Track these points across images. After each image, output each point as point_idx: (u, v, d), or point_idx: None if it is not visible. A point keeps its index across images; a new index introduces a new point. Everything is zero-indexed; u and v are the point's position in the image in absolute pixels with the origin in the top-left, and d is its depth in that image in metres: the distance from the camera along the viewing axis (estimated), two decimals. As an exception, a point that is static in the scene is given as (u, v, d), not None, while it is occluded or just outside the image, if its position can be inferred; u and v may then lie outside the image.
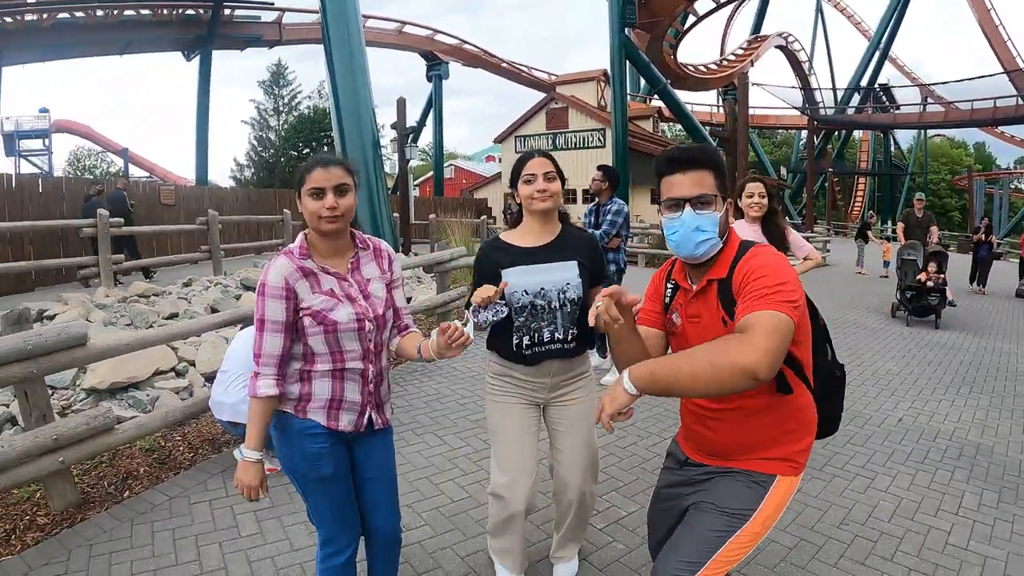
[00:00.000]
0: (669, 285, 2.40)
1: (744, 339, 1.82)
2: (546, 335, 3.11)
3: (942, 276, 12.31)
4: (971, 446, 5.83)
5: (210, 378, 6.93)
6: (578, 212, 33.95)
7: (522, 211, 3.27)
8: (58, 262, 12.12)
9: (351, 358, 2.55)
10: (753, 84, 24.79)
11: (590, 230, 6.96)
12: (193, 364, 7.00)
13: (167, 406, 5.94)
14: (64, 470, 4.23)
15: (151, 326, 8.32)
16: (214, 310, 9.20)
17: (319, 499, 2.62)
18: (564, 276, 3.10)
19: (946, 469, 5.28)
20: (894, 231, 19.02)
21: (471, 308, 2.79)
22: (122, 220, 12.07)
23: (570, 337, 3.13)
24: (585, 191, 38.55)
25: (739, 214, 5.29)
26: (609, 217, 7.07)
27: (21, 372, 3.90)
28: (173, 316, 8.77)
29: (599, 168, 7.39)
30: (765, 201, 5.19)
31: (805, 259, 5.58)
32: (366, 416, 2.64)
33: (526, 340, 3.10)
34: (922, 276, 12.32)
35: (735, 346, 1.82)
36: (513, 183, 3.27)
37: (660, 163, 2.24)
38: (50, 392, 5.97)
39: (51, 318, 8.26)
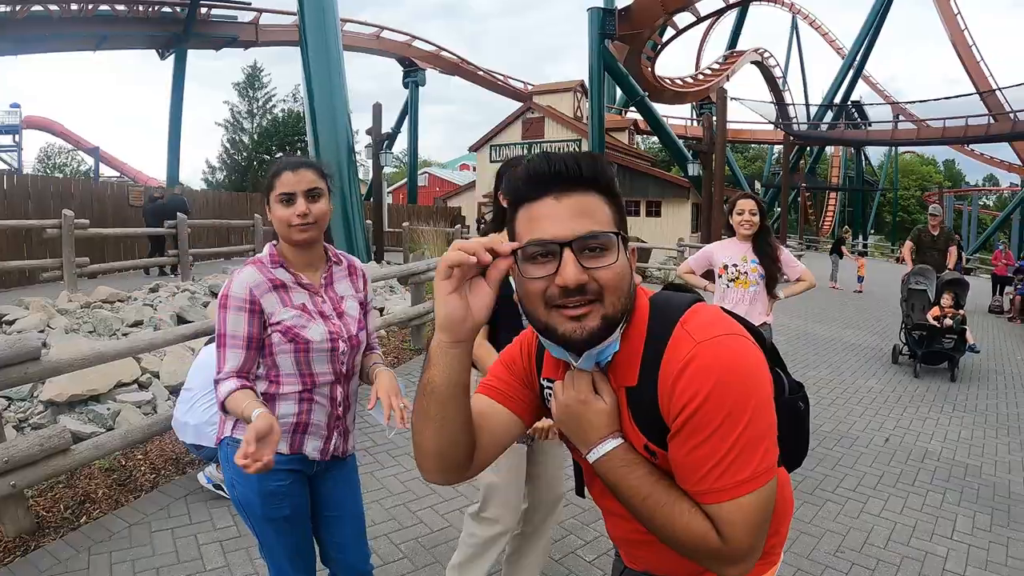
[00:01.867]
0: (546, 383, 1.54)
1: (728, 543, 1.23)
2: None
3: (961, 312, 9.63)
4: (960, 467, 5.83)
5: (175, 391, 6.65)
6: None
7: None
8: (22, 263, 11.69)
9: (321, 380, 2.34)
10: (731, 98, 24.77)
11: None
12: (157, 376, 6.71)
13: (128, 423, 5.69)
14: (16, 494, 3.95)
15: (114, 334, 8.01)
16: (181, 318, 8.89)
17: (273, 539, 2.36)
18: None
19: (937, 491, 5.26)
20: (866, 246, 18.63)
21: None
22: (88, 222, 11.71)
23: None
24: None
25: (730, 231, 5.15)
26: None
27: (-32, 389, 3.63)
28: (138, 324, 8.46)
29: None
30: (757, 219, 5.00)
31: (798, 280, 5.39)
32: (332, 443, 2.42)
33: None
34: (934, 312, 9.64)
35: (716, 546, 1.24)
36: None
37: (516, 181, 1.35)
38: (6, 404, 5.72)
39: (11, 323, 7.93)
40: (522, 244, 1.26)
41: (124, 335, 8.02)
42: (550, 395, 1.48)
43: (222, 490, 4.49)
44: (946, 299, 9.70)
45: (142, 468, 4.97)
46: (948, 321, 9.32)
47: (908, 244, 11.32)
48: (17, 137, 41.96)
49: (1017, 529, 4.68)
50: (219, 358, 2.24)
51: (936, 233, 11.14)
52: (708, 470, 1.22)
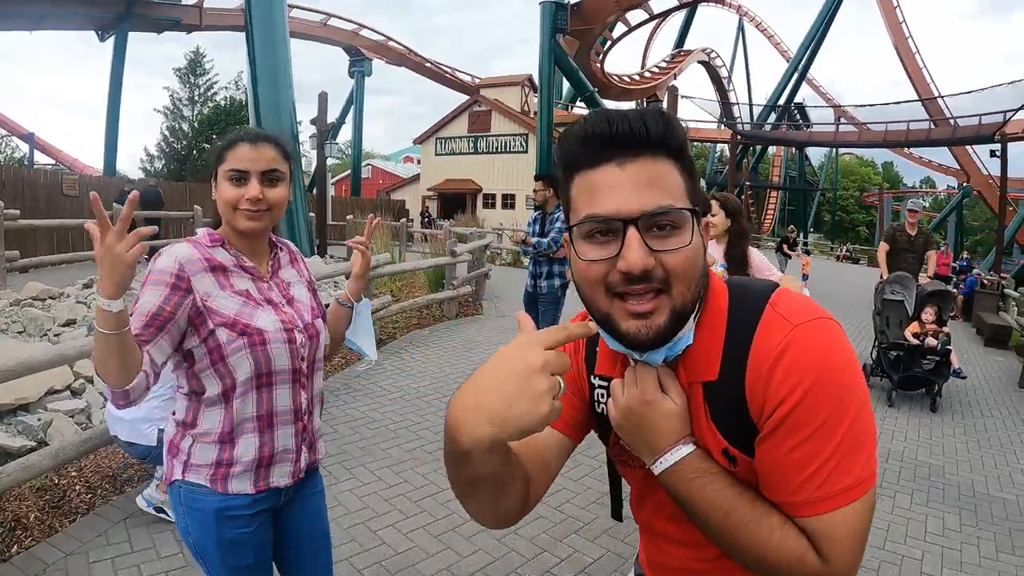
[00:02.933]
0: (598, 381, 1.32)
1: (829, 563, 1.02)
2: None
3: (945, 330, 8.21)
4: (924, 467, 5.93)
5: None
6: (500, 219, 33.71)
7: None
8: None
9: (280, 380, 1.99)
10: (681, 96, 24.81)
11: (535, 239, 6.82)
12: (91, 381, 6.30)
13: (61, 435, 5.31)
14: (-66, 521, 3.58)
15: (45, 335, 7.57)
16: (119, 317, 8.43)
17: None
18: None
19: (904, 493, 5.34)
20: (807, 244, 18.54)
21: None
22: (19, 212, 11.14)
23: None
24: (506, 196, 38.35)
25: None
26: (558, 225, 6.78)
27: None
28: (71, 323, 8.03)
29: (541, 177, 7.05)
30: (717, 220, 4.69)
31: None
32: (302, 460, 2.10)
33: None
34: (913, 328, 8.21)
35: (815, 569, 1.02)
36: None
37: (570, 143, 1.11)
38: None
39: (-68, 323, 7.44)
40: (578, 220, 1.07)
41: (56, 335, 7.59)
42: (603, 395, 1.29)
43: (165, 513, 4.15)
44: (928, 313, 8.29)
45: (76, 487, 4.58)
46: (931, 340, 7.94)
47: (883, 246, 9.61)
48: None
49: (985, 528, 4.79)
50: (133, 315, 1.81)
51: (914, 233, 9.54)
52: (809, 475, 1.02)
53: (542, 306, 7.02)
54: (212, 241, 1.97)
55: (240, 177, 1.93)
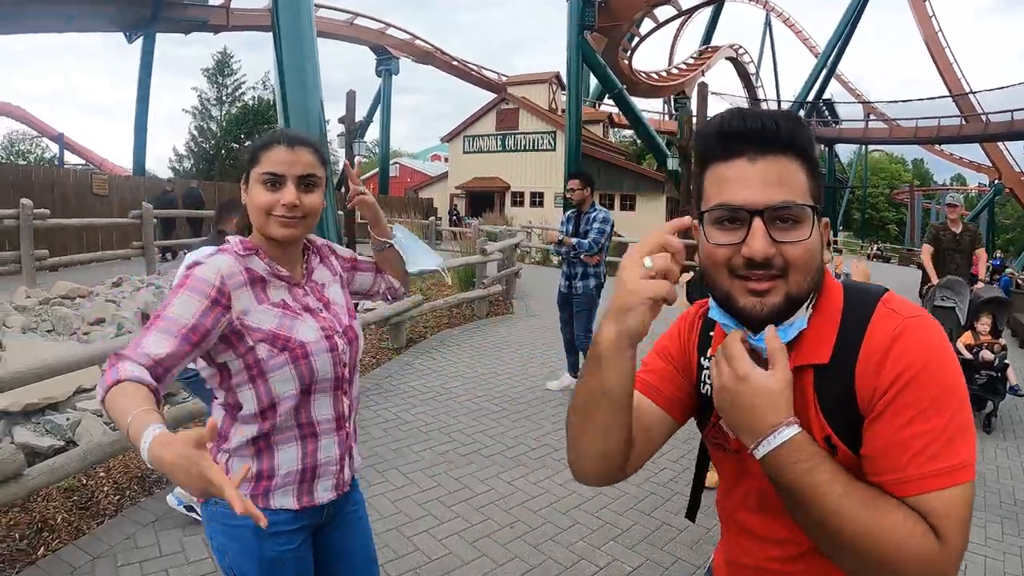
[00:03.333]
0: (708, 363, 1.36)
1: (945, 544, 1.00)
2: None
3: (1001, 342, 7.19)
4: None
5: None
6: (528, 217, 33.52)
7: None
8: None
9: (320, 389, 1.86)
10: (711, 93, 24.46)
11: (575, 239, 6.65)
12: (122, 381, 6.23)
13: (90, 435, 5.23)
14: (-40, 523, 3.50)
15: (75, 333, 7.53)
16: (145, 315, 8.38)
17: None
18: None
19: None
20: (837, 243, 17.97)
21: None
22: (48, 211, 11.13)
23: None
24: (534, 194, 38.16)
25: None
26: (597, 225, 6.63)
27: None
28: (100, 322, 7.98)
29: (576, 176, 6.87)
30: None
31: None
32: (345, 471, 1.98)
33: None
34: (966, 339, 7.21)
35: (933, 550, 0.99)
36: None
37: (707, 137, 1.20)
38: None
39: (-38, 322, 7.41)
40: (709, 207, 1.16)
41: (85, 334, 7.55)
42: (708, 377, 1.33)
43: (195, 512, 4.06)
44: (983, 323, 7.28)
45: (104, 488, 4.50)
46: (987, 354, 6.89)
47: (926, 248, 8.53)
48: None
49: (1028, 538, 4.58)
50: (145, 330, 1.61)
51: (958, 231, 8.47)
52: (921, 448, 1.03)
53: (576, 307, 6.87)
54: (246, 250, 1.83)
55: (275, 181, 1.79)
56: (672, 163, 26.16)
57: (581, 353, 6.86)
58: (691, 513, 1.56)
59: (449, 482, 4.86)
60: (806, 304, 1.16)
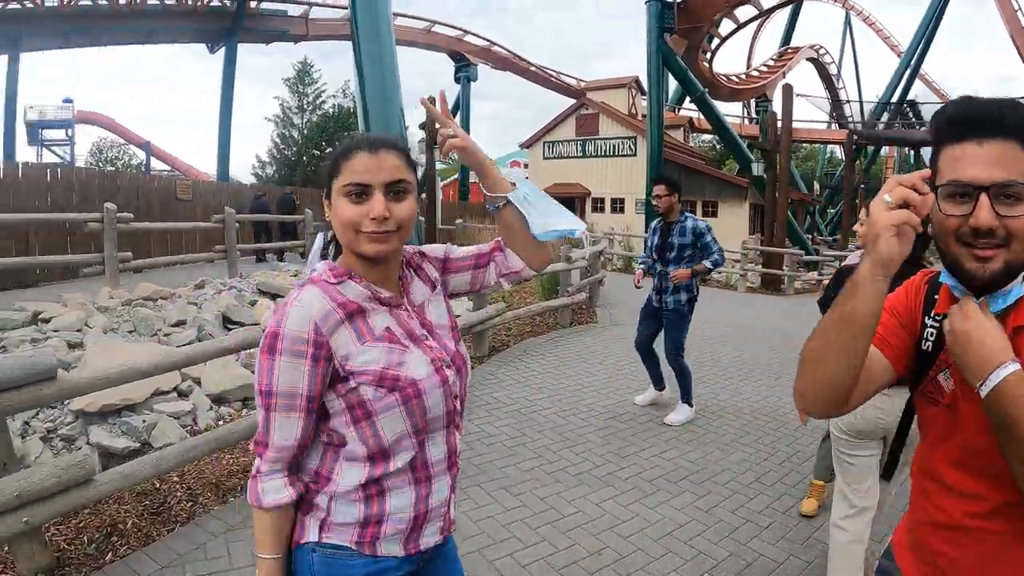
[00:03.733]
0: (932, 322, 1.50)
1: None
2: None
3: None
4: None
5: (218, 400, 6.09)
6: (610, 223, 33.10)
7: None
8: (60, 259, 11.33)
9: (434, 428, 1.64)
10: (797, 95, 23.69)
11: (707, 263, 6.17)
12: (199, 383, 6.15)
13: (165, 437, 5.14)
14: (31, 529, 3.36)
15: (155, 334, 7.50)
16: (226, 318, 8.36)
17: None
18: None
19: None
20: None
21: None
22: (132, 215, 11.31)
23: None
24: (615, 200, 37.70)
25: None
26: (708, 237, 6.13)
27: (-30, 412, 3.05)
28: (180, 324, 7.96)
29: (661, 181, 6.33)
30: None
31: None
32: (452, 510, 1.76)
33: None
34: None
35: None
36: None
37: (940, 122, 1.36)
38: (33, 413, 5.18)
39: (47, 321, 7.46)
40: (943, 182, 1.31)
41: (166, 335, 7.53)
42: (931, 334, 1.49)
43: None
44: None
45: (178, 494, 4.36)
46: None
47: None
48: (70, 131, 43.24)
49: None
50: (260, 423, 1.56)
51: None
52: None
53: (667, 322, 6.37)
54: (337, 277, 1.61)
55: (361, 192, 1.55)
56: (757, 168, 25.48)
57: (673, 369, 6.41)
58: (888, 472, 1.93)
59: (534, 502, 4.55)
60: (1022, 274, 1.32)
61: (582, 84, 42.30)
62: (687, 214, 6.27)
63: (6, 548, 3.53)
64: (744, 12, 32.40)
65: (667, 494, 4.74)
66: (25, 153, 40.35)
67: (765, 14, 34.48)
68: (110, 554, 3.68)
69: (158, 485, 4.42)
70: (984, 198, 1.25)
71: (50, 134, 42.56)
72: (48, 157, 41.00)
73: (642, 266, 6.59)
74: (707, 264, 6.11)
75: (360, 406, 1.55)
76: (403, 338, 1.62)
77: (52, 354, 3.33)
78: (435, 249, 1.90)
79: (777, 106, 30.86)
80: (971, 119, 1.30)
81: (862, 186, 48.18)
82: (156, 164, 46.60)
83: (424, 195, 22.59)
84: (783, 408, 6.83)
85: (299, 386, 1.50)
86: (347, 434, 1.58)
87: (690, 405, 6.39)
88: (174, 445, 4.24)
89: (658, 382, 6.73)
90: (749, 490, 4.85)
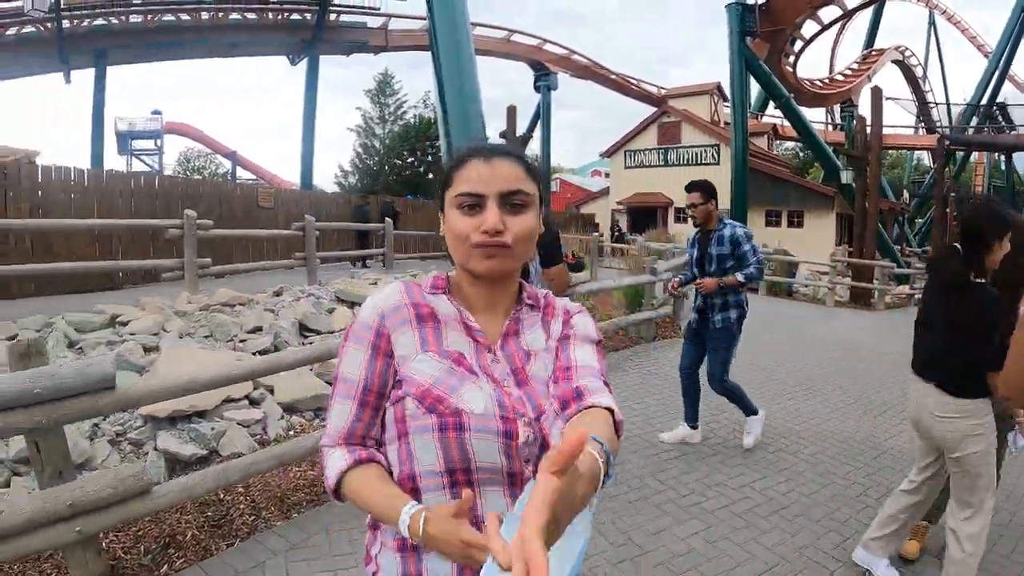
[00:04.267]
0: None
1: None
2: None
3: None
4: None
5: (289, 409, 5.96)
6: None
7: None
8: (141, 263, 11.45)
9: (487, 480, 1.37)
10: (887, 99, 22.79)
11: (741, 276, 5.51)
12: (271, 391, 6.03)
13: (233, 446, 5.02)
14: (85, 539, 3.23)
15: (231, 340, 7.44)
16: (303, 325, 8.28)
17: None
18: None
19: None
20: None
21: None
22: (212, 222, 11.42)
23: None
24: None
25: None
26: (746, 247, 5.48)
27: (26, 422, 2.92)
28: (257, 330, 7.88)
29: (694, 188, 5.64)
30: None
31: None
32: None
33: None
34: None
35: None
36: None
37: None
38: (101, 418, 5.12)
39: (124, 324, 7.48)
40: None
41: (241, 342, 7.47)
42: None
43: None
44: None
45: (240, 506, 4.20)
46: None
47: None
48: (158, 142, 44.89)
49: None
50: (328, 409, 1.48)
51: None
52: None
53: (711, 344, 5.73)
54: (434, 288, 1.50)
55: (474, 204, 1.39)
56: (845, 176, 24.63)
57: (721, 394, 5.82)
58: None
59: (613, 534, 4.18)
60: None
61: (663, 92, 41.78)
62: (727, 221, 5.67)
63: (60, 554, 3.42)
64: (827, 13, 31.58)
65: (757, 530, 4.29)
66: (115, 162, 41.93)
67: (848, 14, 33.53)
68: (166, 566, 3.54)
69: (221, 495, 4.27)
70: None
71: (139, 144, 44.20)
72: (137, 166, 42.54)
73: (679, 277, 6.00)
74: (739, 277, 5.47)
75: (402, 421, 1.40)
76: (474, 368, 1.41)
77: (111, 362, 3.19)
78: (575, 307, 1.61)
79: (863, 110, 29.87)
80: None
81: (952, 194, 46.39)
82: (242, 173, 47.75)
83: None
84: (871, 436, 6.36)
85: (356, 372, 1.43)
86: (389, 451, 1.45)
87: (755, 413, 5.88)
88: (237, 460, 4.06)
89: (693, 419, 5.99)
90: (845, 528, 4.39)
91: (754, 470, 5.32)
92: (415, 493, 1.37)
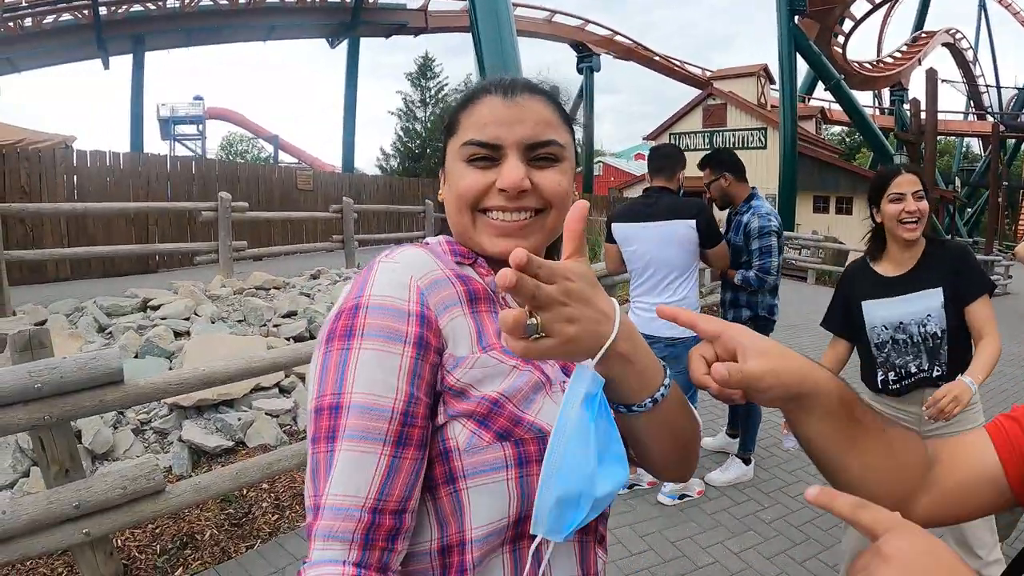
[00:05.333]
0: None
1: None
2: (912, 368, 2.78)
3: None
4: None
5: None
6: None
7: (883, 233, 2.85)
8: (175, 246, 11.42)
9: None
10: (942, 81, 21.98)
11: (738, 275, 4.71)
12: (303, 379, 5.81)
13: (260, 437, 4.82)
14: (94, 540, 3.04)
15: (265, 324, 7.26)
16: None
17: None
18: (923, 307, 2.74)
19: None
20: None
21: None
22: (247, 204, 11.26)
23: (936, 372, 2.75)
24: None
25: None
26: (755, 245, 4.56)
27: (27, 418, 2.71)
28: (291, 315, 7.70)
29: (703, 162, 4.99)
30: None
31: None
32: None
33: (891, 376, 2.83)
34: None
35: None
36: (874, 201, 2.85)
37: None
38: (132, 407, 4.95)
39: (155, 308, 7.32)
40: None
41: (275, 326, 7.29)
42: None
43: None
44: None
45: (264, 504, 3.99)
46: None
47: None
48: (201, 127, 45.60)
49: None
50: (311, 473, 0.86)
51: None
52: None
53: None
54: (457, 254, 1.07)
55: (487, 156, 1.02)
56: (898, 161, 23.94)
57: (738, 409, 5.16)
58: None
59: (664, 546, 3.89)
60: None
61: (708, 74, 41.00)
62: (755, 203, 4.72)
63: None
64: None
65: (818, 544, 3.93)
66: (158, 148, 42.40)
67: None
68: (180, 569, 3.36)
69: (245, 491, 4.06)
70: None
71: (182, 129, 44.76)
72: (180, 151, 42.97)
73: None
74: (737, 276, 4.67)
75: (443, 459, 0.92)
76: (547, 371, 1.01)
77: (117, 355, 2.97)
78: None
79: (915, 93, 29.03)
80: None
81: (1005, 183, 45.04)
82: (284, 157, 48.04)
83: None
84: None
85: (390, 392, 0.86)
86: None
87: (746, 461, 4.92)
88: (254, 459, 3.83)
89: (735, 424, 5.33)
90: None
91: (814, 477, 4.80)
92: (451, 562, 0.93)
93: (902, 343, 2.77)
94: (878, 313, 2.81)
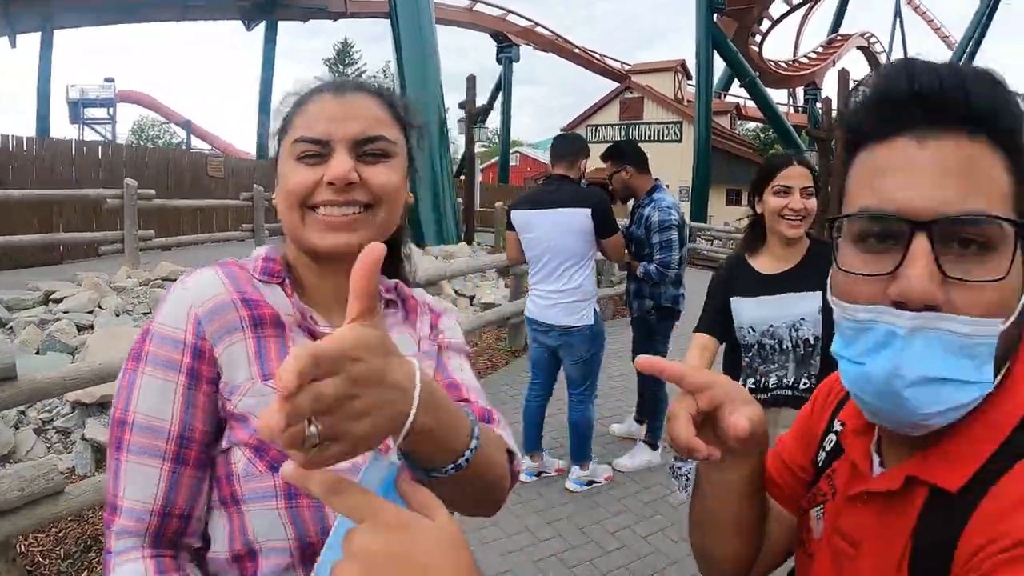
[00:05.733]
0: (832, 432, 0.97)
1: None
2: (772, 381, 2.54)
3: None
4: None
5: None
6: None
7: (763, 226, 2.62)
8: (79, 236, 10.97)
9: None
10: (853, 82, 22.73)
11: (641, 267, 4.75)
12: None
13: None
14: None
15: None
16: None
17: None
18: (798, 310, 2.49)
19: None
20: None
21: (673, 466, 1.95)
22: (154, 192, 10.95)
23: (804, 385, 2.50)
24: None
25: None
26: (657, 237, 4.62)
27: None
28: (201, 305, 7.53)
29: (605, 154, 4.99)
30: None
31: None
32: None
33: (749, 383, 2.57)
34: None
35: None
36: (757, 189, 2.61)
37: (858, 103, 0.77)
38: (27, 404, 4.76)
39: (58, 302, 7.07)
40: (850, 212, 0.75)
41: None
42: (830, 442, 0.96)
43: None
44: None
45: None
46: None
47: None
48: (111, 110, 44.15)
49: None
50: (109, 473, 0.97)
51: None
52: None
53: (633, 332, 5.25)
54: (266, 272, 1.07)
55: (316, 153, 1.02)
56: (810, 158, 24.79)
57: (644, 391, 5.36)
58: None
59: (572, 533, 3.92)
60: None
61: (626, 67, 41.56)
62: (657, 196, 4.78)
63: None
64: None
65: None
66: (67, 132, 40.99)
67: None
68: (85, 572, 3.28)
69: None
70: (922, 244, 0.67)
71: (92, 112, 43.38)
72: (90, 135, 41.55)
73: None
74: (640, 269, 4.73)
75: (228, 483, 0.97)
76: None
77: (10, 350, 2.88)
78: (441, 306, 1.28)
79: (829, 93, 29.91)
80: (908, 99, 0.71)
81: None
82: (197, 143, 46.90)
83: (463, 176, 22.20)
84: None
85: (166, 415, 0.95)
86: (213, 522, 1.00)
87: (653, 447, 4.99)
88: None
89: (642, 410, 5.50)
90: None
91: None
92: (244, 568, 0.98)
93: (768, 348, 2.55)
94: (747, 312, 2.59)
